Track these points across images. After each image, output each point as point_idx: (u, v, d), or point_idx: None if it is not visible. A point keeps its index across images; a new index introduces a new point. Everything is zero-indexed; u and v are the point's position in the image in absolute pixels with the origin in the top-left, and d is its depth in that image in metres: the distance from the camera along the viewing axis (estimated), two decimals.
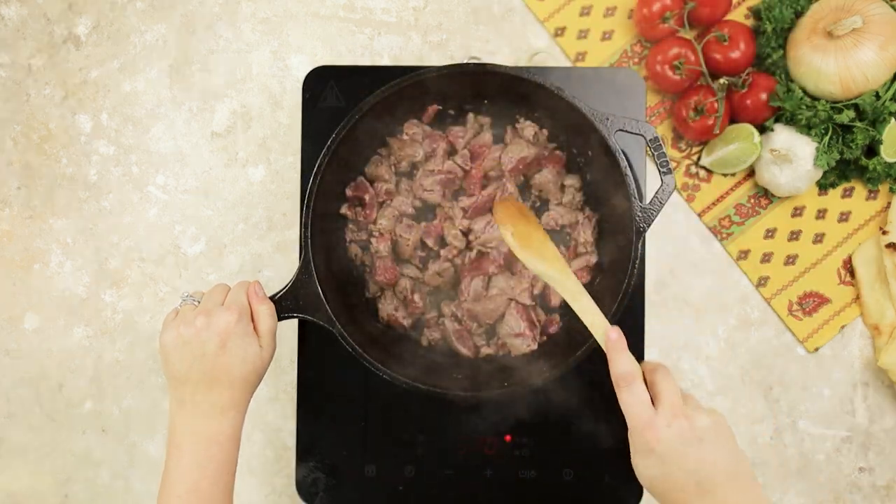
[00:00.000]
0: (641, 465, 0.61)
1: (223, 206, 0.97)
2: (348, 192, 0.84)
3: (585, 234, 0.83)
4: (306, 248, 0.74)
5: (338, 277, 0.81)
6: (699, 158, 0.95)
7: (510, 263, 0.84)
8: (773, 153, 0.88)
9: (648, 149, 0.74)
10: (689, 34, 0.91)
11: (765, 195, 0.95)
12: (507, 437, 0.85)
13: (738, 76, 0.91)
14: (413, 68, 0.77)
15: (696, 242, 0.95)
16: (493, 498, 0.85)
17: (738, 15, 0.95)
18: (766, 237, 0.95)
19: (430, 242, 0.83)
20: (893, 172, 0.91)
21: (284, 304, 0.73)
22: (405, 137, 0.84)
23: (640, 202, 0.73)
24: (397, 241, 0.83)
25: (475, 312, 0.82)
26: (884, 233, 0.91)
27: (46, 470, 0.97)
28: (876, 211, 0.94)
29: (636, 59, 0.97)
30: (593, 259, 0.83)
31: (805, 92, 0.89)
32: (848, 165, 0.92)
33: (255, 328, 0.71)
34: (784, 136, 0.89)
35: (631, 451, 0.62)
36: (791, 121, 0.89)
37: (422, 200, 0.85)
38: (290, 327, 0.90)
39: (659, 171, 0.74)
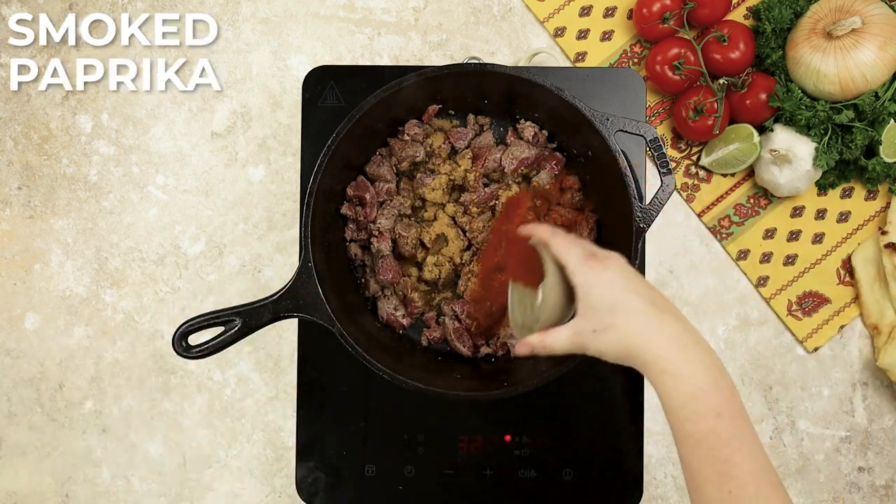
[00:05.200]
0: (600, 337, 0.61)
1: (223, 206, 0.97)
2: (349, 192, 0.84)
3: (585, 235, 0.83)
4: (306, 248, 0.74)
5: (338, 277, 0.81)
6: (699, 158, 0.95)
7: None
8: (773, 153, 0.88)
9: (648, 149, 0.74)
10: (688, 34, 0.91)
11: (764, 195, 0.95)
12: (507, 437, 0.85)
13: (737, 76, 0.91)
14: (413, 68, 0.77)
15: (695, 242, 0.95)
16: (493, 498, 0.85)
17: (738, 15, 0.95)
18: (765, 237, 0.95)
19: (427, 242, 0.83)
20: (892, 173, 0.91)
21: (284, 304, 0.73)
22: (406, 138, 0.84)
23: (640, 202, 0.73)
24: (396, 241, 0.84)
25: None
26: (883, 233, 0.92)
27: (46, 470, 0.97)
28: (875, 211, 0.94)
29: (636, 60, 0.97)
30: None
31: (804, 92, 0.90)
32: (847, 166, 0.92)
33: None
34: (783, 137, 0.89)
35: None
36: (790, 121, 0.90)
37: (422, 200, 0.85)
38: (290, 327, 0.90)
39: (659, 171, 0.74)
